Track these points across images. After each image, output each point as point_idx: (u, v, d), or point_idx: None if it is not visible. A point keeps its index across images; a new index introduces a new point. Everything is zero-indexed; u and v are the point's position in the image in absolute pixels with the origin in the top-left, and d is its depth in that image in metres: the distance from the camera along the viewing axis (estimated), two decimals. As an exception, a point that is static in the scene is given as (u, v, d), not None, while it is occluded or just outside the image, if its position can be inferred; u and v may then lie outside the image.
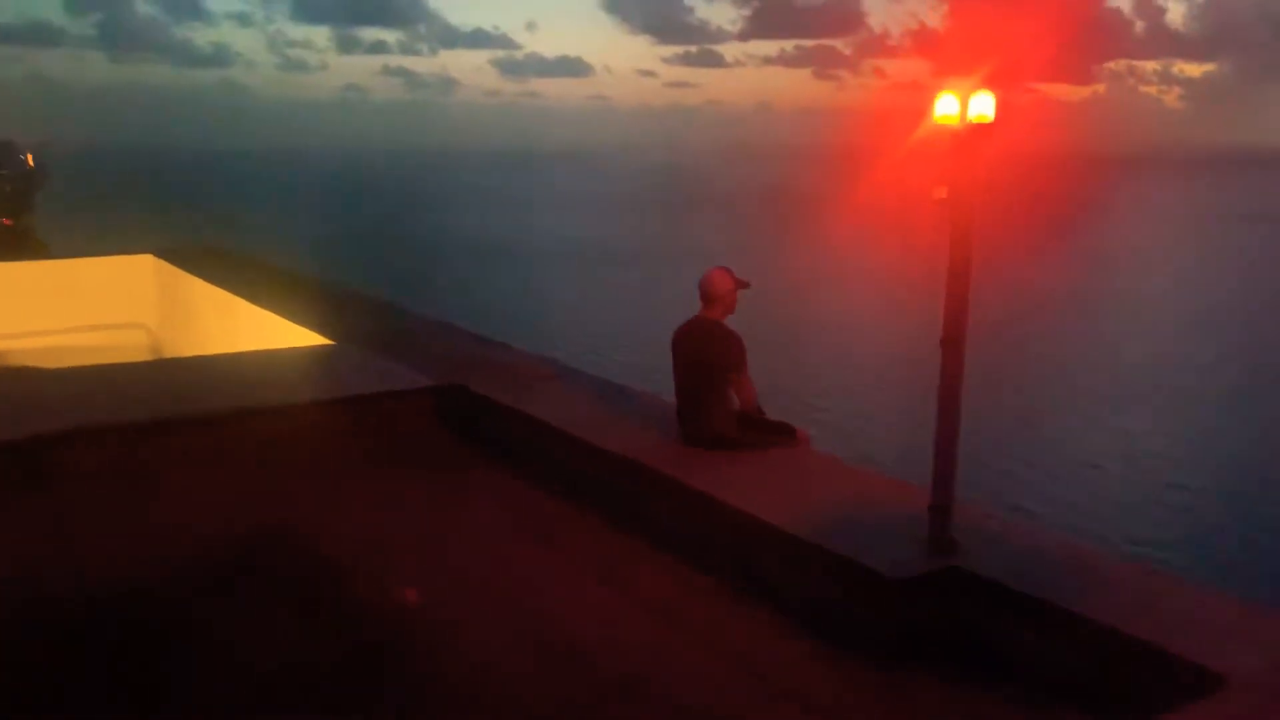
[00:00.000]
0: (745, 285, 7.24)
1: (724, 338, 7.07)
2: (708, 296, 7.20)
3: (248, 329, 12.08)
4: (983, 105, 4.94)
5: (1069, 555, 5.37)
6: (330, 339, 10.77)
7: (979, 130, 4.93)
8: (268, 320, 11.97)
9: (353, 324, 11.61)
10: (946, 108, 5.07)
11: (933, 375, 5.26)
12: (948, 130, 5.09)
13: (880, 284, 56.03)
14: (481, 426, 8.34)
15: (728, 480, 6.30)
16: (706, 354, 7.02)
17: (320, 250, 62.98)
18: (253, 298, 12.83)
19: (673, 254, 66.66)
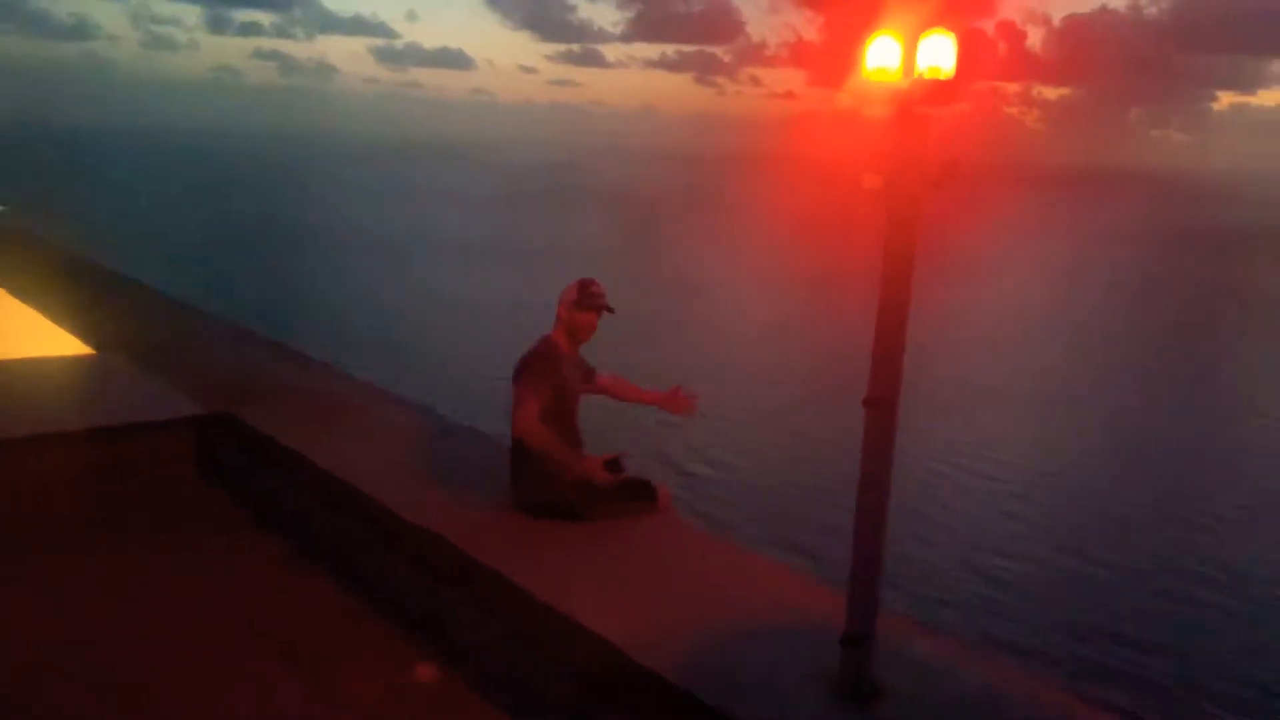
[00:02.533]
0: (601, 307, 5.56)
1: (528, 351, 5.44)
2: (558, 309, 5.58)
3: (-11, 329, 9.79)
4: (937, 53, 3.34)
5: (1027, 697, 3.87)
6: (93, 347, 8.65)
7: (932, 91, 3.35)
8: (21, 318, 9.73)
9: (131, 328, 9.47)
10: (882, 57, 3.45)
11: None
12: (884, 90, 3.50)
13: (781, 300, 53.85)
14: (249, 475, 6.41)
15: (555, 571, 4.60)
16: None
17: (156, 238, 58.31)
18: (15, 290, 10.54)
19: (551, 254, 64.71)
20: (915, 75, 3.34)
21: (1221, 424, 33.00)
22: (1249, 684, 16.43)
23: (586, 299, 5.52)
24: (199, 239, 62.50)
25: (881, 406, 3.49)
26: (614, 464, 5.63)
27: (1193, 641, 17.93)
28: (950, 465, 26.19)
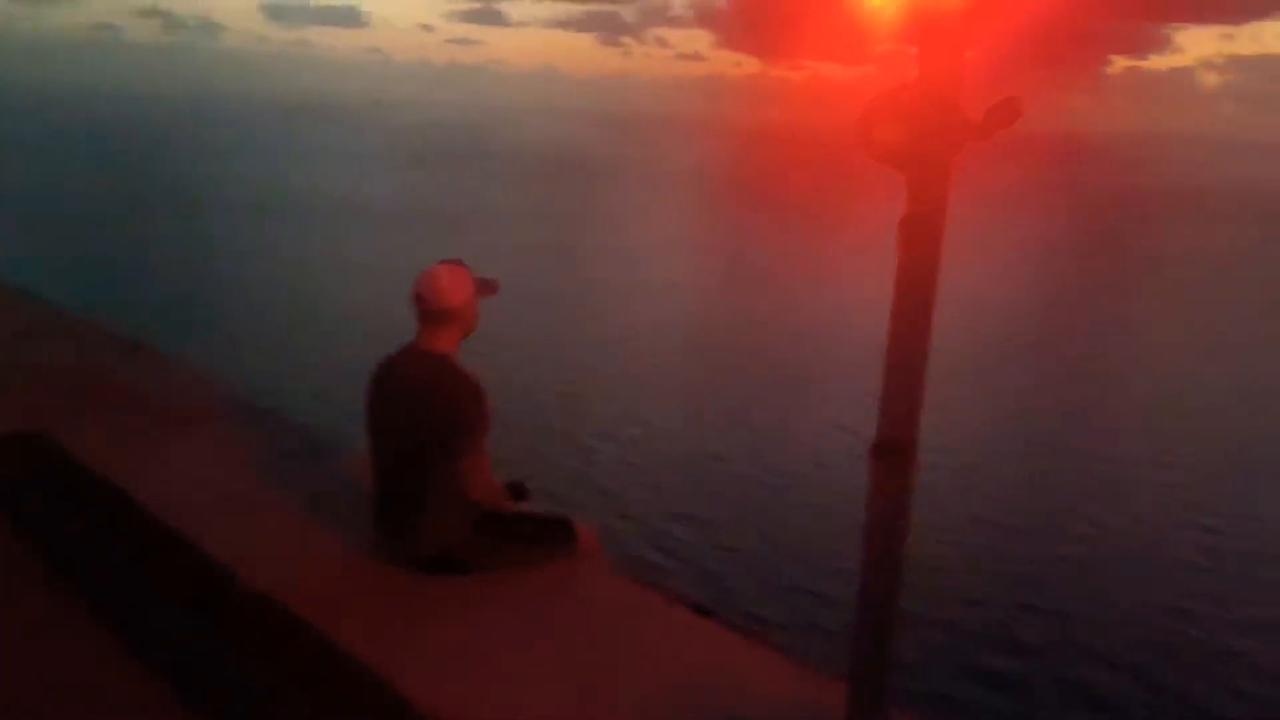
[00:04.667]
0: (491, 289, 4.39)
1: (461, 385, 4.20)
2: (436, 311, 4.28)
3: None
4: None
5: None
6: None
7: (975, 8, 2.26)
8: None
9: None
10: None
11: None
12: (886, 7, 2.38)
13: (712, 281, 50.59)
14: (49, 515, 5.09)
15: (434, 650, 3.48)
16: (435, 413, 4.14)
17: (12, 209, 53.89)
18: None
19: (453, 216, 62.66)
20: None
21: (1126, 384, 33.41)
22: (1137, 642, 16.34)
23: (485, 286, 4.37)
24: (59, 212, 58.36)
25: (896, 455, 2.47)
26: (516, 489, 4.48)
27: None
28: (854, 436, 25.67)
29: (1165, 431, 28.03)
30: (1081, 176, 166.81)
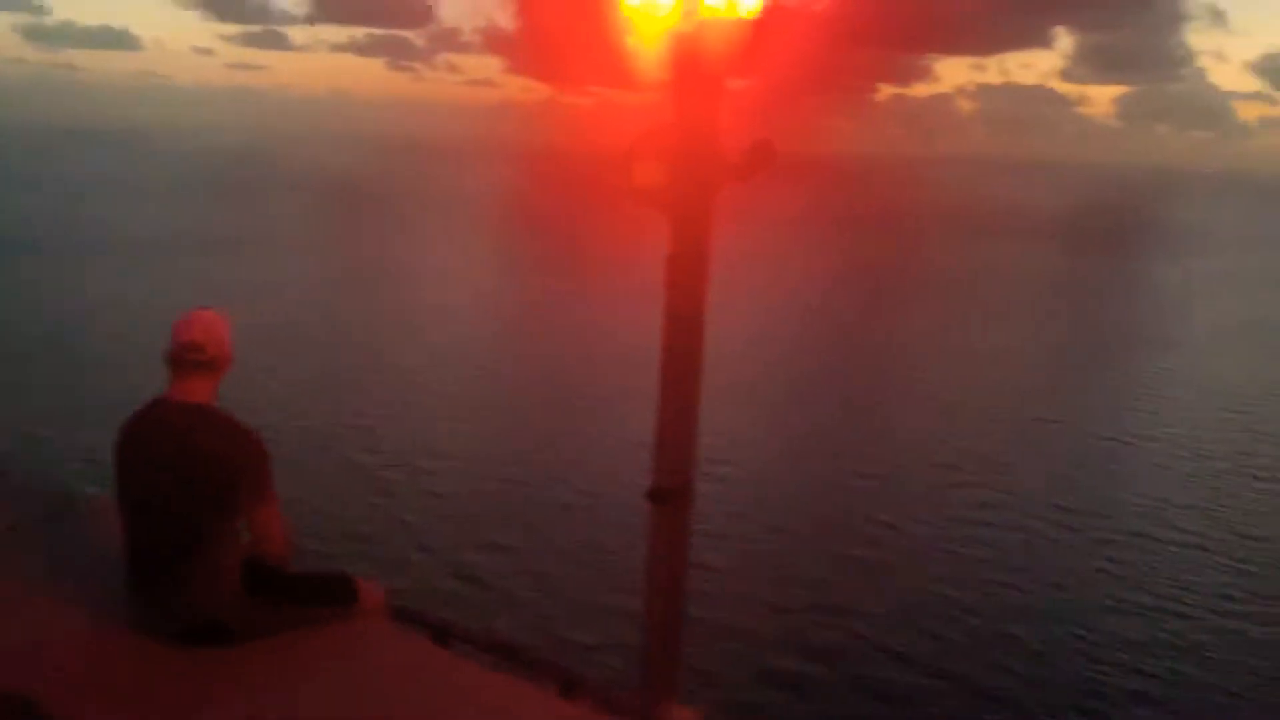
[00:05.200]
0: None
1: (237, 436, 3.87)
2: (202, 361, 3.95)
3: None
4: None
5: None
6: None
7: (733, 34, 2.27)
8: None
9: None
10: (650, -20, 2.31)
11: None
12: (654, 40, 2.36)
13: (501, 307, 47.64)
14: None
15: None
16: (210, 471, 3.79)
17: None
18: None
19: (236, 247, 59.67)
20: (700, 16, 2.26)
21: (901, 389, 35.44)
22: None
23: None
24: None
25: (673, 499, 2.43)
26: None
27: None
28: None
29: (942, 436, 29.89)
30: (854, 197, 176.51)
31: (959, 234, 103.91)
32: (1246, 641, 17.64)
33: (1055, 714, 15.72)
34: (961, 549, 21.39)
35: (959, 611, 18.66)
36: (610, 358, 33.77)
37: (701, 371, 2.35)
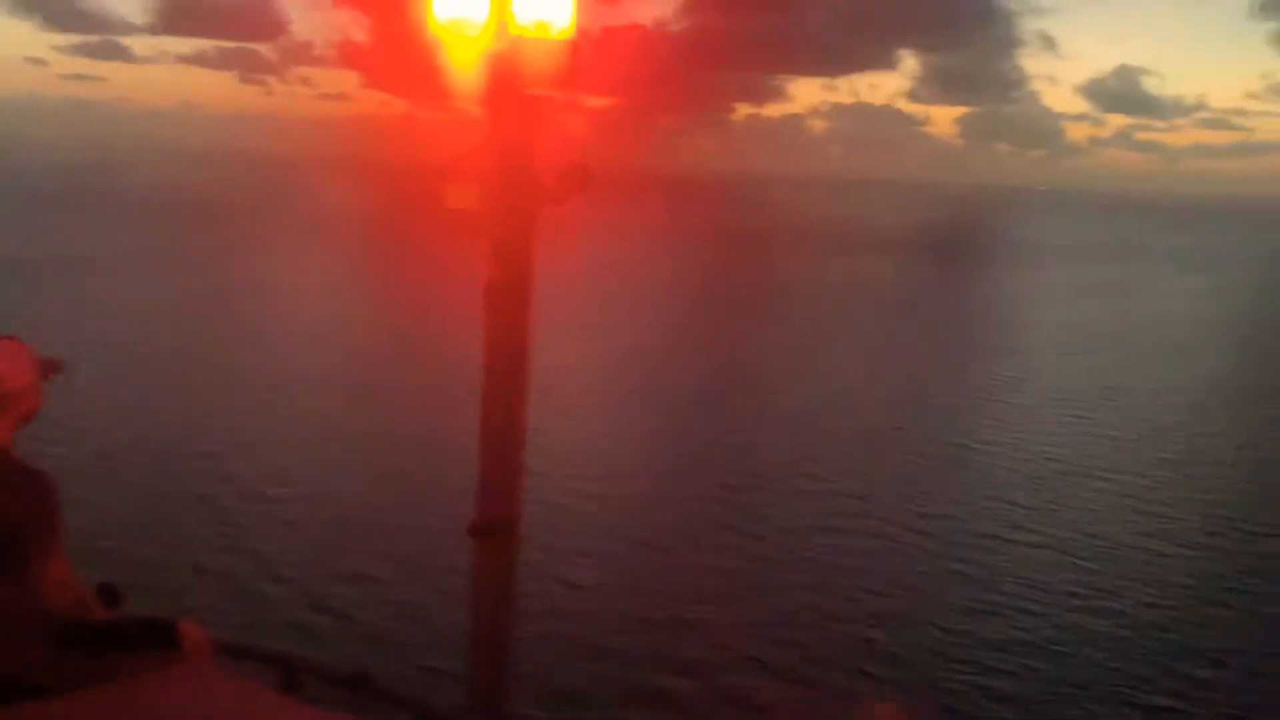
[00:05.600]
0: (54, 369, 3.81)
1: (27, 481, 3.55)
2: None
3: None
4: (548, 1, 2.21)
5: None
6: None
7: (546, 53, 2.20)
8: None
9: None
10: (456, 4, 2.22)
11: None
12: (470, 58, 2.27)
13: (350, 327, 45.83)
14: None
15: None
16: (-1, 518, 3.49)
17: None
18: None
19: (67, 267, 56.45)
20: (514, 32, 2.18)
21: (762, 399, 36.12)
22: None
23: (48, 366, 3.79)
24: None
25: (498, 534, 2.32)
26: (108, 593, 3.89)
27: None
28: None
29: (799, 446, 30.55)
30: (714, 213, 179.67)
31: (814, 250, 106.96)
32: (1090, 634, 18.54)
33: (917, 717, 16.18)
34: (820, 556, 21.86)
35: (820, 619, 19.03)
36: (464, 380, 33.31)
37: (526, 402, 2.27)
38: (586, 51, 2.49)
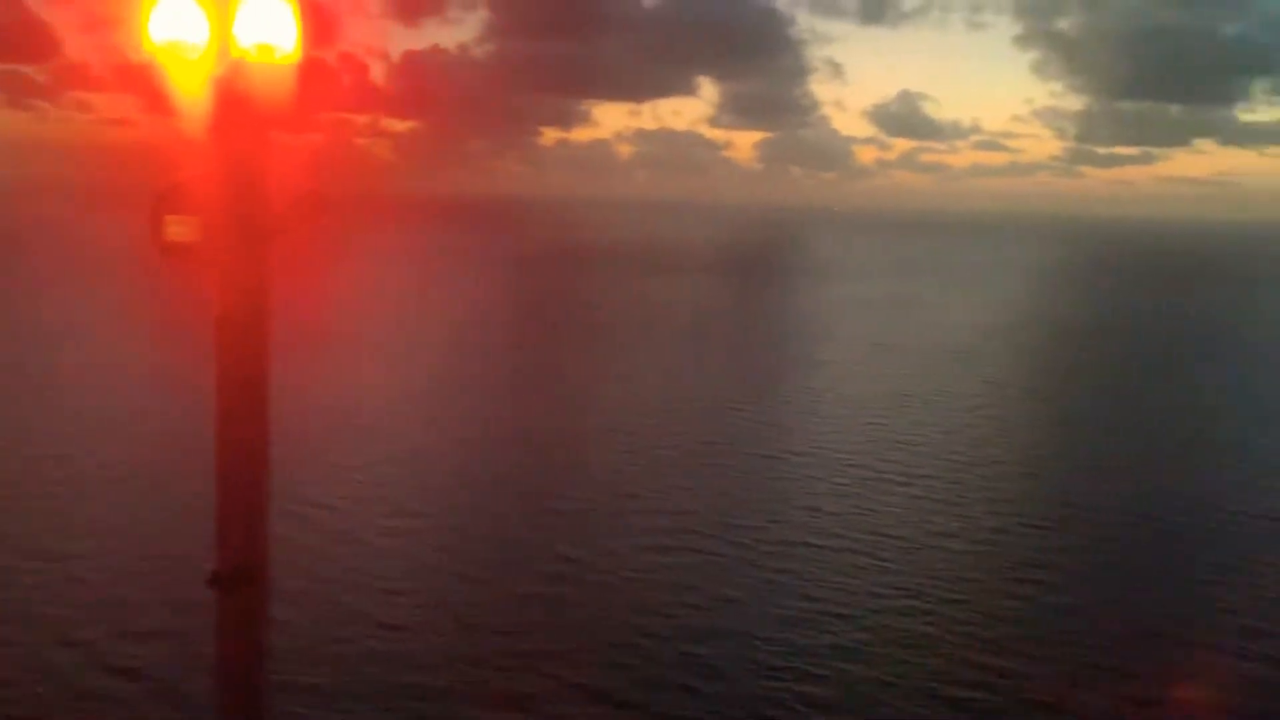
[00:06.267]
0: None
1: None
2: None
3: None
4: (269, 19, 2.10)
5: None
6: None
7: (273, 77, 2.08)
8: None
9: None
10: (177, 22, 2.09)
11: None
12: (192, 82, 2.13)
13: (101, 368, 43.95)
14: None
15: None
16: None
17: None
18: None
19: None
20: (237, 55, 2.06)
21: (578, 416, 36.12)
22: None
23: None
24: None
25: (243, 584, 2.15)
26: None
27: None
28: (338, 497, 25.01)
29: (616, 466, 30.67)
30: (523, 237, 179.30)
31: (624, 271, 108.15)
32: (897, 634, 19.34)
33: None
34: (640, 576, 21.95)
35: (642, 639, 19.07)
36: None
37: (267, 439, 2.12)
38: (325, 74, 2.39)
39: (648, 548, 23.62)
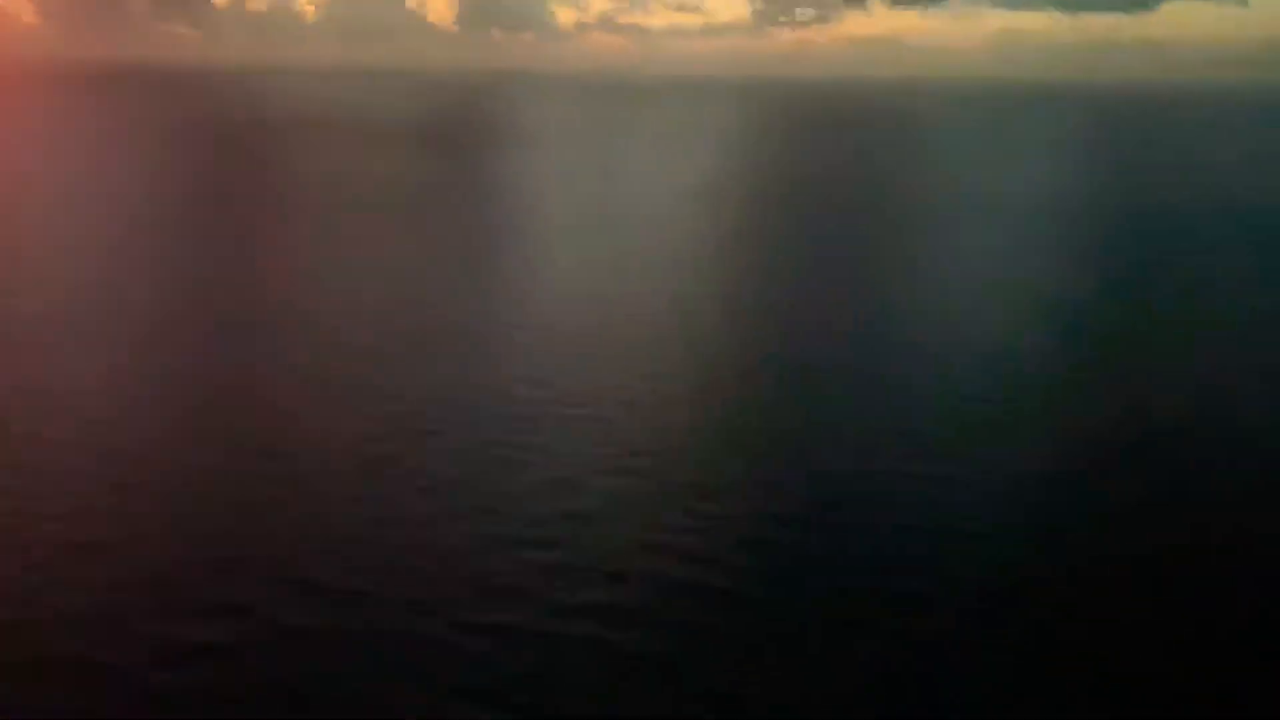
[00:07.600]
0: None
1: None
2: None
3: None
4: None
5: None
6: None
7: None
8: None
9: None
10: None
11: None
12: None
13: None
14: None
15: None
16: None
17: None
18: None
19: None
20: None
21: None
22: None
23: None
24: None
25: None
26: None
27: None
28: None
29: (321, 358, 28.90)
30: (196, 108, 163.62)
31: (314, 145, 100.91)
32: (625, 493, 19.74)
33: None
34: (359, 463, 21.11)
35: (357, 529, 18.44)
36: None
37: None
38: None
39: (370, 438, 22.70)
